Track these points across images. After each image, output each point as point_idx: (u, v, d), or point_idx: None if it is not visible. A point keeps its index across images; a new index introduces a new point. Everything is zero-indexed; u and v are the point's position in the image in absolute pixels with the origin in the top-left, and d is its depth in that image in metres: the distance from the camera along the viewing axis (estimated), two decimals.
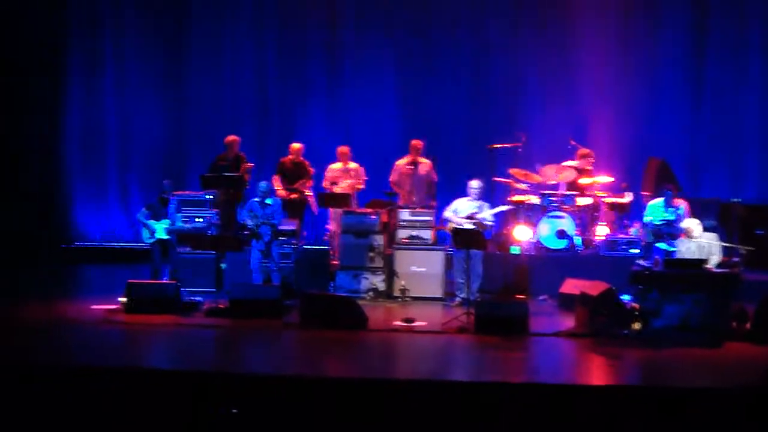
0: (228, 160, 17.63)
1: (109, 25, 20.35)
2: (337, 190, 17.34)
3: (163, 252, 15.42)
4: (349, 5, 20.16)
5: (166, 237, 15.36)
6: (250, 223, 15.37)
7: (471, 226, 15.25)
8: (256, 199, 15.55)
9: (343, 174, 17.54)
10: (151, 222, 15.34)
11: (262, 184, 15.78)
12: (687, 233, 14.42)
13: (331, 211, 17.36)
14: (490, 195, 16.99)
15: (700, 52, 19.56)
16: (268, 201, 15.52)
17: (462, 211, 15.59)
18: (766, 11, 19.39)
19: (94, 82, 20.39)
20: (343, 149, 17.75)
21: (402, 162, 17.58)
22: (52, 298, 15.55)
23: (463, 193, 15.81)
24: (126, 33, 20.33)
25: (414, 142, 17.60)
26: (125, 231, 19.72)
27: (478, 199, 15.70)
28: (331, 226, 17.37)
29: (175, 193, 16.25)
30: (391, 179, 17.52)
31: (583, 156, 17.57)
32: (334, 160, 17.77)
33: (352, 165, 17.67)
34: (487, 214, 15.63)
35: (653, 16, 19.56)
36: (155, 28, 20.30)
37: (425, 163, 17.53)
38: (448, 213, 15.72)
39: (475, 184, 15.72)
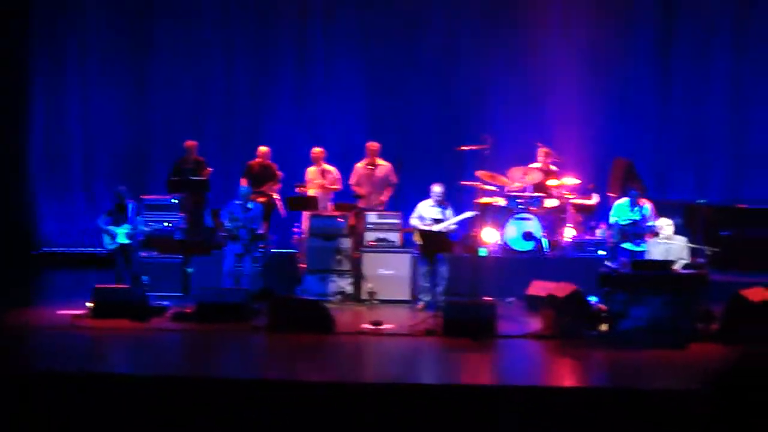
0: (189, 164, 17.60)
1: (71, 28, 20.20)
2: (310, 192, 17.33)
3: (125, 257, 15.34)
4: (318, 6, 20.13)
5: (127, 242, 15.28)
6: (229, 225, 15.35)
7: (437, 230, 15.27)
8: (238, 202, 15.54)
9: (317, 176, 17.53)
10: (112, 227, 15.27)
11: (243, 187, 15.78)
12: (657, 232, 14.48)
13: (304, 214, 17.33)
14: (457, 197, 16.99)
15: (667, 53, 19.64)
16: (250, 205, 15.53)
17: (427, 216, 15.59)
18: (734, 13, 19.49)
19: (56, 85, 20.24)
20: (316, 151, 17.72)
21: (360, 164, 17.59)
22: (18, 304, 15.45)
23: (428, 195, 15.80)
24: (89, 35, 20.16)
25: (369, 144, 17.64)
26: (91, 236, 19.63)
27: (441, 203, 15.70)
28: (303, 229, 17.33)
29: (142, 197, 16.21)
30: (350, 182, 17.54)
31: (545, 155, 17.62)
32: (302, 162, 17.75)
33: (327, 167, 17.65)
34: (453, 221, 15.64)
35: (620, 17, 19.60)
36: (119, 30, 20.15)
37: (384, 165, 17.53)
38: (413, 220, 15.72)
39: (437, 188, 15.72)
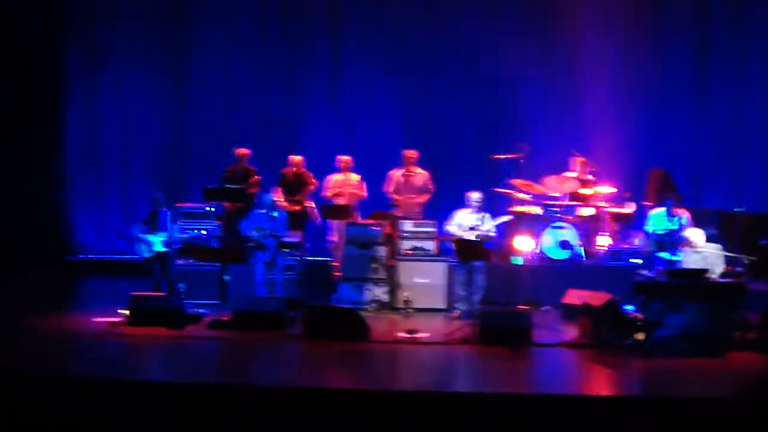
0: (236, 173, 17.60)
1: (109, 34, 20.28)
2: (339, 201, 17.34)
3: (161, 265, 15.37)
4: (352, 14, 20.16)
5: (164, 250, 15.31)
6: (255, 234, 15.38)
7: (474, 238, 15.25)
8: (262, 211, 15.57)
9: (344, 184, 17.56)
10: (148, 236, 15.30)
11: (267, 196, 15.81)
12: (689, 243, 14.41)
13: (334, 222, 17.35)
14: (492, 206, 16.96)
15: (703, 61, 19.60)
16: (274, 213, 15.54)
17: (464, 223, 15.57)
18: (767, 21, 19.41)
19: (93, 89, 20.34)
20: (344, 159, 17.75)
21: (397, 172, 17.59)
22: (55, 311, 15.52)
23: (464, 203, 15.77)
24: (126, 38, 20.24)
25: (406, 151, 17.64)
26: (127, 243, 19.67)
27: (479, 210, 15.68)
28: (334, 237, 17.36)
29: (176, 204, 16.27)
30: (386, 189, 17.54)
31: (581, 163, 17.59)
32: (334, 169, 17.77)
33: (353, 175, 17.68)
34: (490, 226, 15.61)
35: (656, 26, 19.57)
36: (156, 37, 20.24)
37: (421, 174, 17.53)
38: (451, 227, 15.70)
39: (475, 195, 15.70)
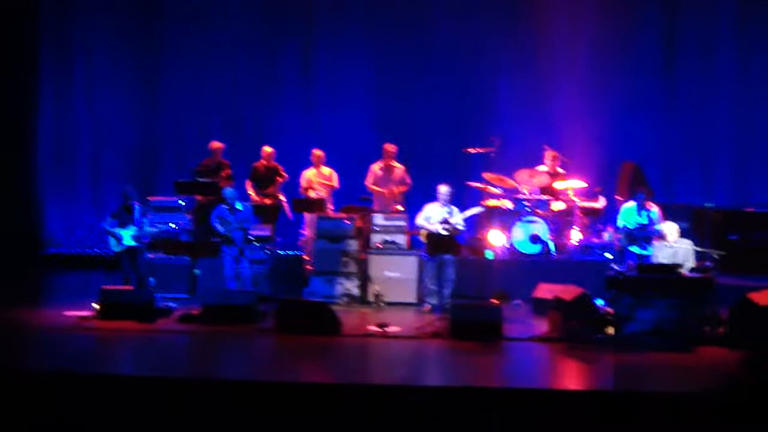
0: (209, 166, 17.55)
1: (80, 30, 20.26)
2: (312, 194, 17.32)
3: (131, 259, 15.32)
4: (324, 8, 20.15)
5: (133, 244, 15.26)
6: (221, 229, 15.35)
7: (444, 232, 15.26)
8: (225, 206, 15.52)
9: (317, 178, 17.54)
10: (117, 230, 15.25)
11: (228, 190, 15.76)
12: (662, 237, 14.46)
13: (307, 216, 17.34)
14: (464, 200, 16.98)
15: (671, 56, 19.69)
16: (238, 206, 15.50)
17: (434, 216, 15.57)
18: (737, 16, 19.49)
19: (64, 85, 20.31)
20: (317, 153, 17.74)
21: (376, 166, 17.59)
22: (24, 305, 15.45)
23: (436, 197, 15.78)
24: (97, 37, 20.23)
25: (387, 145, 17.62)
26: (98, 237, 19.63)
27: (448, 204, 15.68)
28: (307, 232, 17.34)
29: (147, 198, 16.24)
30: (366, 182, 17.53)
31: (552, 158, 17.63)
32: (307, 163, 17.75)
33: (325, 169, 17.66)
34: (459, 219, 15.62)
35: (625, 21, 19.62)
36: (127, 30, 20.21)
37: (399, 167, 17.55)
38: (420, 220, 15.70)
39: (444, 189, 15.70)
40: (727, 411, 10.40)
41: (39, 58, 20.14)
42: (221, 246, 15.44)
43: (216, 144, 17.83)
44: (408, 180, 17.52)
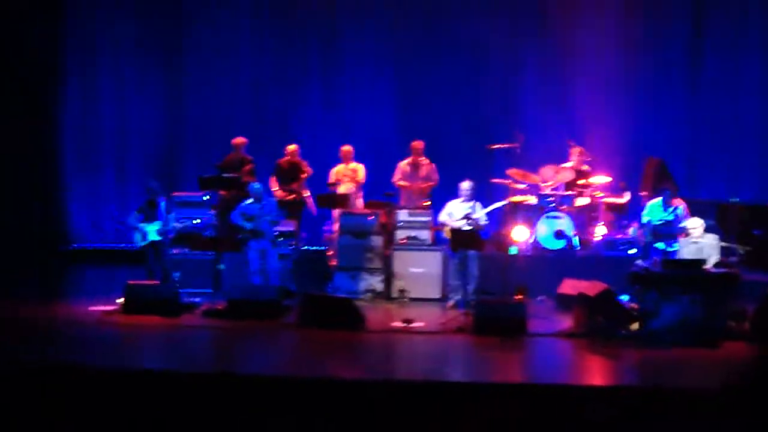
0: (232, 162, 17.58)
1: (105, 24, 20.30)
2: (340, 190, 17.35)
3: (156, 254, 15.36)
4: (347, 3, 20.15)
5: (158, 239, 15.30)
6: (246, 224, 15.38)
7: (467, 227, 15.25)
8: (249, 201, 15.55)
9: (345, 174, 17.58)
10: (143, 224, 15.30)
11: (255, 185, 15.81)
12: (686, 233, 14.42)
13: (334, 212, 17.34)
14: (488, 196, 16.95)
15: (698, 51, 19.60)
16: (263, 202, 15.56)
17: (456, 213, 15.56)
18: (764, 9, 19.40)
19: (90, 82, 20.39)
20: (344, 149, 17.75)
21: (404, 162, 17.59)
22: (50, 300, 15.55)
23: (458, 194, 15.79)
24: (122, 33, 20.28)
25: (414, 142, 17.63)
26: (123, 232, 19.66)
27: (470, 199, 15.67)
28: (333, 227, 17.33)
29: (171, 194, 16.28)
30: (394, 179, 17.54)
31: (578, 153, 17.59)
32: (331, 159, 17.77)
33: (353, 165, 17.67)
34: (482, 213, 15.60)
35: (652, 15, 19.55)
36: (151, 28, 20.27)
37: (426, 164, 17.55)
38: (443, 216, 15.70)
39: (465, 185, 15.69)
40: (750, 406, 10.39)
41: (65, 55, 20.22)
42: (247, 241, 15.47)
43: (238, 140, 17.85)
44: (435, 176, 17.51)
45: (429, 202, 17.14)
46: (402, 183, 17.52)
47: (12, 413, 10.49)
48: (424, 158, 17.59)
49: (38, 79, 19.86)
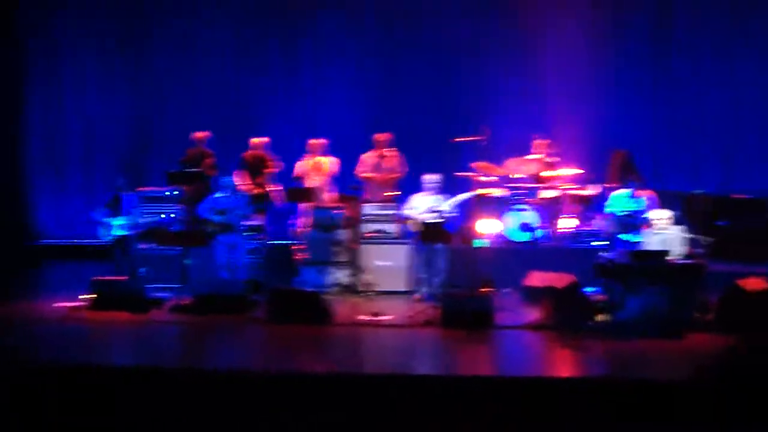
0: (193, 156, 17.58)
1: (69, 20, 20.25)
2: (308, 183, 17.34)
3: (123, 249, 15.34)
4: None
5: (125, 234, 15.27)
6: (217, 218, 15.37)
7: (433, 220, 15.28)
8: (220, 194, 15.54)
9: (313, 167, 17.57)
10: (109, 219, 15.27)
11: (227, 178, 15.80)
12: (651, 224, 14.48)
13: (301, 205, 17.32)
14: (454, 190, 16.97)
15: (663, 45, 19.71)
16: (234, 195, 15.57)
17: (421, 206, 15.60)
18: (728, 3, 19.52)
19: (53, 77, 20.30)
20: (313, 143, 17.72)
21: (368, 155, 17.59)
22: (15, 297, 15.46)
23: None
24: (86, 29, 20.22)
25: (378, 135, 17.62)
26: (89, 228, 19.59)
27: (436, 192, 15.71)
28: (300, 221, 17.31)
29: (137, 189, 16.25)
30: (357, 171, 17.52)
31: (544, 146, 17.64)
32: (299, 153, 17.77)
33: (321, 159, 17.65)
34: (447, 205, 15.63)
35: (617, 8, 19.64)
36: (115, 23, 20.20)
37: (392, 155, 17.53)
38: (407, 210, 15.73)
39: (430, 178, 15.74)
40: (717, 398, 10.47)
41: (28, 50, 20.09)
42: (216, 234, 15.45)
43: (199, 134, 17.88)
44: (402, 168, 17.46)
45: (398, 192, 17.13)
46: (366, 174, 17.51)
47: None
48: (389, 150, 17.58)
49: (2, 73, 19.72)
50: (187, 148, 17.82)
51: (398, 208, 16.39)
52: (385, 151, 17.54)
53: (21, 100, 20.08)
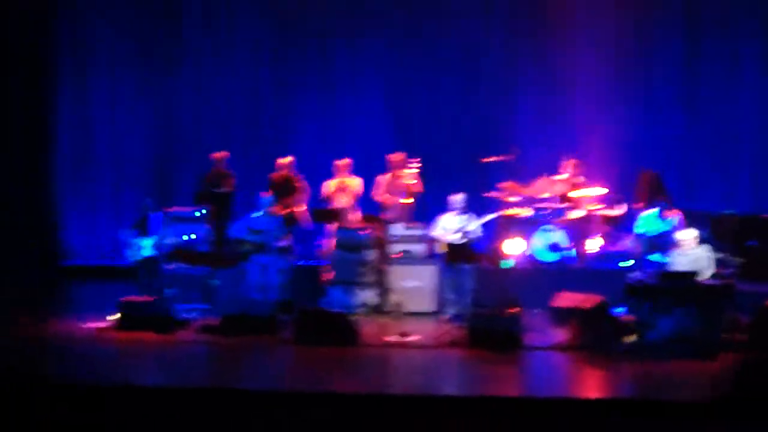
0: (213, 177, 17.68)
1: (99, 40, 20.25)
2: (335, 204, 17.34)
3: (150, 270, 15.37)
4: (342, 16, 20.14)
5: (152, 254, 15.31)
6: (251, 238, 15.41)
7: (461, 241, 15.26)
8: (257, 214, 15.61)
9: (340, 188, 17.57)
10: (136, 240, 15.31)
11: (265, 198, 15.88)
12: (680, 245, 14.40)
13: (328, 226, 17.32)
14: (482, 210, 16.93)
15: (693, 62, 19.58)
16: (270, 216, 15.65)
17: (450, 226, 15.58)
18: (759, 22, 19.44)
19: (83, 95, 20.30)
20: (339, 164, 17.73)
21: (384, 177, 17.57)
22: (44, 316, 15.49)
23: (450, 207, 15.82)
24: (115, 46, 20.26)
25: (391, 156, 17.62)
26: (118, 248, 19.63)
27: (463, 212, 15.70)
28: (327, 242, 17.30)
29: (167, 209, 16.28)
30: (373, 194, 17.53)
31: (573, 166, 17.58)
32: (327, 173, 17.78)
33: (347, 180, 17.65)
34: (475, 226, 15.61)
35: (647, 27, 19.57)
36: (147, 41, 20.22)
37: (407, 176, 17.46)
38: (436, 231, 15.73)
39: (457, 198, 15.75)
40: (743, 416, 10.40)
41: (57, 69, 20.14)
42: (251, 254, 15.49)
43: (218, 154, 18.00)
44: (417, 187, 17.41)
45: (411, 200, 17.13)
46: (382, 197, 17.47)
47: (6, 430, 10.47)
48: (403, 170, 17.52)
49: (32, 91, 19.79)
50: (207, 168, 17.89)
51: (425, 229, 16.36)
52: (399, 172, 17.49)
53: (51, 118, 20.10)
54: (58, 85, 20.20)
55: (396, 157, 17.60)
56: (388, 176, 17.59)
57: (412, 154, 17.68)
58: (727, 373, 11.73)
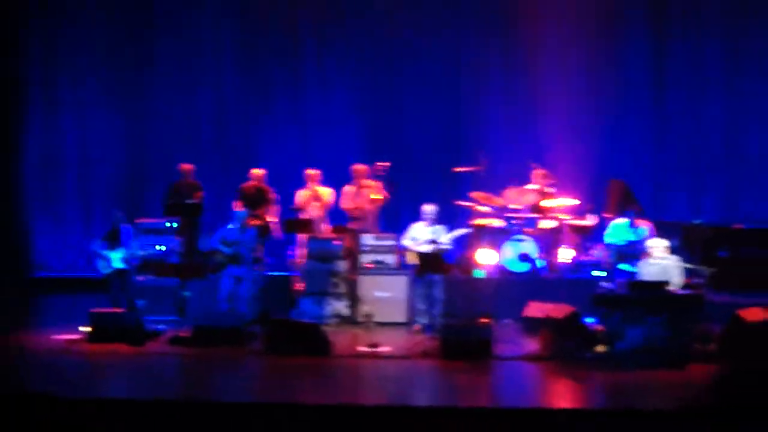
0: (180, 188, 17.67)
1: (67, 51, 20.23)
2: (305, 215, 17.32)
3: (120, 281, 15.32)
4: (313, 27, 20.16)
5: (123, 266, 15.26)
6: (226, 249, 15.39)
7: (432, 251, 15.27)
8: (232, 226, 15.58)
9: (310, 198, 17.55)
10: (107, 252, 15.26)
11: (240, 211, 15.85)
12: (650, 254, 14.45)
13: (299, 236, 17.31)
14: (453, 219, 16.96)
15: (661, 73, 19.68)
16: (245, 228, 15.62)
17: (420, 236, 15.60)
18: (726, 33, 19.55)
19: (52, 108, 20.26)
20: (310, 173, 17.73)
21: (349, 188, 17.57)
22: (13, 329, 15.40)
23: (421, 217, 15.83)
24: (84, 55, 20.21)
25: (355, 167, 17.62)
26: (86, 260, 19.58)
27: (434, 223, 15.72)
28: (298, 252, 17.30)
29: (137, 221, 16.24)
30: (341, 205, 17.53)
31: (542, 176, 17.62)
32: (297, 183, 17.76)
33: (319, 189, 17.65)
34: (446, 238, 15.63)
35: (615, 40, 19.66)
36: (115, 53, 20.18)
37: (371, 187, 17.48)
38: (406, 240, 15.74)
39: (429, 208, 15.76)
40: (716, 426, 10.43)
41: (26, 78, 20.10)
42: (224, 266, 15.46)
43: (186, 166, 18.02)
44: (382, 195, 17.42)
45: (376, 205, 17.15)
46: (347, 206, 17.47)
47: None
48: (367, 181, 17.52)
49: None
50: (174, 180, 17.89)
51: (397, 239, 16.37)
52: (364, 182, 17.49)
53: (19, 130, 20.05)
54: (26, 97, 20.14)
55: (360, 167, 17.60)
56: (353, 187, 17.57)
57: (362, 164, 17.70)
58: (703, 383, 11.83)
